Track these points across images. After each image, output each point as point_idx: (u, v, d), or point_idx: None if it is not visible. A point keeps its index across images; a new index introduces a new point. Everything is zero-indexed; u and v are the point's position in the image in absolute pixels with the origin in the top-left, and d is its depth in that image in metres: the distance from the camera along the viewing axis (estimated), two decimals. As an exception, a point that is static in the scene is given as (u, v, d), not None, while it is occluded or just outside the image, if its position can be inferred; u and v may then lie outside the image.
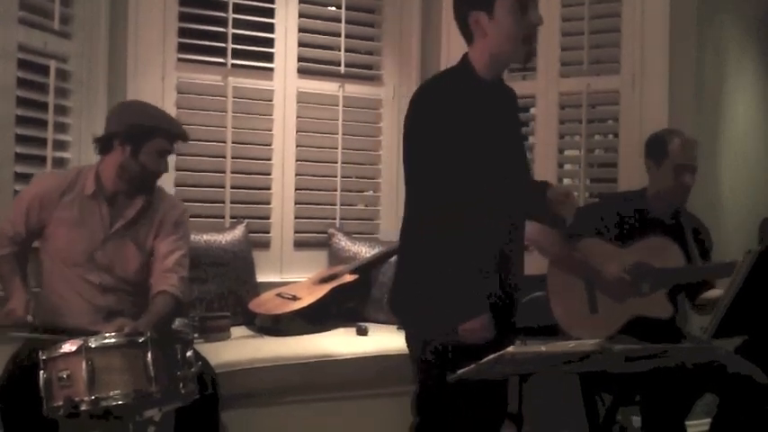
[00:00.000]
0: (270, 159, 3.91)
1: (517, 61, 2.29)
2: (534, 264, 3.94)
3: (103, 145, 2.71)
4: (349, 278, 3.63)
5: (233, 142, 3.82)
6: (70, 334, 2.45)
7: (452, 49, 3.93)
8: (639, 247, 2.90)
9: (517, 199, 2.28)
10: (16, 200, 2.78)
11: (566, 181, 4.10)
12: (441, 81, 2.29)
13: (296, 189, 3.97)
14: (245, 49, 3.85)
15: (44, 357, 2.14)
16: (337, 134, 4.05)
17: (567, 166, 4.05)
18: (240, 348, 3.17)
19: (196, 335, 3.15)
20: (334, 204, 4.06)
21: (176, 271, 2.71)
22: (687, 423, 2.86)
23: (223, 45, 3.79)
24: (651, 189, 3.01)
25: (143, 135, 2.64)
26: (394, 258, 3.72)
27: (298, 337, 3.35)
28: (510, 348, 2.01)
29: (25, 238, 2.71)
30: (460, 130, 2.14)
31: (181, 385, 2.21)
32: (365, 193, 4.24)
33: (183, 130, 2.77)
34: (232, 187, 3.83)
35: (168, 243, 2.74)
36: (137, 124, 2.65)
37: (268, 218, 3.92)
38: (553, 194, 2.30)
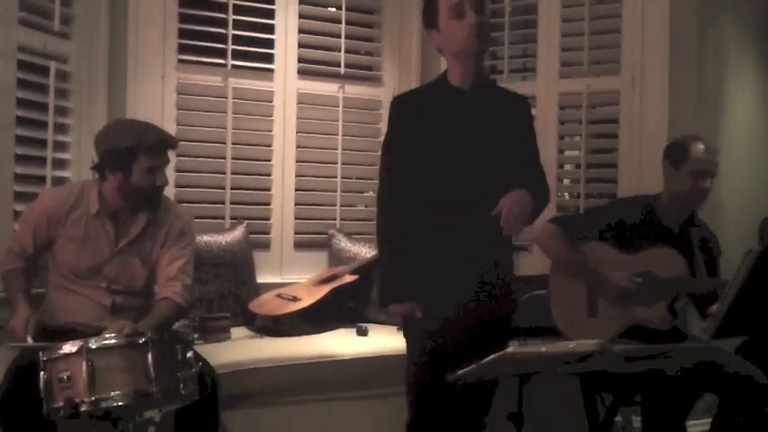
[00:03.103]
0: (270, 160, 3.91)
1: (470, 50, 2.41)
2: (534, 264, 3.96)
3: (99, 172, 2.70)
4: (349, 279, 3.63)
5: (233, 143, 3.82)
6: (75, 332, 2.47)
7: (452, 49, 3.93)
8: (645, 256, 2.89)
9: (472, 202, 2.36)
10: (22, 217, 2.79)
11: (565, 181, 4.10)
12: (410, 91, 2.69)
13: (296, 190, 3.97)
14: (245, 50, 3.85)
15: (44, 358, 2.13)
16: (337, 135, 4.05)
17: (567, 167, 4.05)
18: (240, 349, 3.17)
19: (196, 335, 3.16)
20: (335, 205, 4.06)
21: (180, 279, 2.74)
22: (687, 423, 2.86)
23: (223, 46, 3.79)
24: (666, 193, 3.00)
25: (127, 159, 2.61)
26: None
27: (298, 337, 3.35)
28: (510, 348, 2.01)
29: (33, 254, 2.73)
30: (411, 135, 2.42)
31: (181, 386, 2.21)
32: (365, 194, 4.24)
33: (166, 138, 2.72)
34: (232, 188, 3.83)
35: (173, 252, 2.76)
36: (115, 150, 2.62)
37: (268, 219, 3.92)
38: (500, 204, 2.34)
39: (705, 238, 3.03)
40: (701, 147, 2.93)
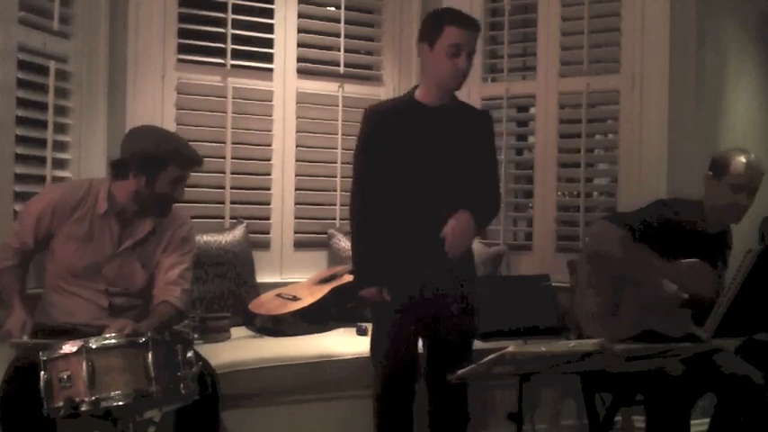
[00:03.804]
0: (269, 160, 3.91)
1: (447, 87, 2.73)
2: (534, 263, 3.96)
3: (118, 170, 2.70)
4: (349, 278, 3.62)
5: (233, 143, 3.82)
6: (72, 332, 2.46)
7: (452, 49, 3.92)
8: (681, 265, 2.83)
9: (432, 204, 2.69)
10: (24, 211, 2.77)
11: (565, 181, 4.10)
12: (380, 103, 3.00)
13: (296, 189, 3.97)
14: (245, 50, 3.85)
15: (44, 358, 2.13)
16: (337, 134, 4.05)
17: (567, 166, 4.04)
18: (240, 349, 3.17)
19: (196, 335, 3.15)
20: (334, 204, 4.06)
21: (179, 284, 2.74)
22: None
23: (222, 46, 3.79)
24: (707, 203, 2.94)
25: (157, 165, 2.64)
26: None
27: (298, 337, 3.35)
28: (510, 348, 2.02)
29: (32, 249, 2.72)
30: (380, 143, 2.74)
31: (181, 386, 2.21)
32: (365, 194, 4.24)
33: (196, 155, 2.77)
34: (232, 188, 3.83)
35: (174, 257, 2.77)
36: (151, 155, 2.63)
37: (268, 218, 3.92)
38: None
39: (729, 246, 3.01)
40: (744, 161, 2.86)
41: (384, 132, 2.75)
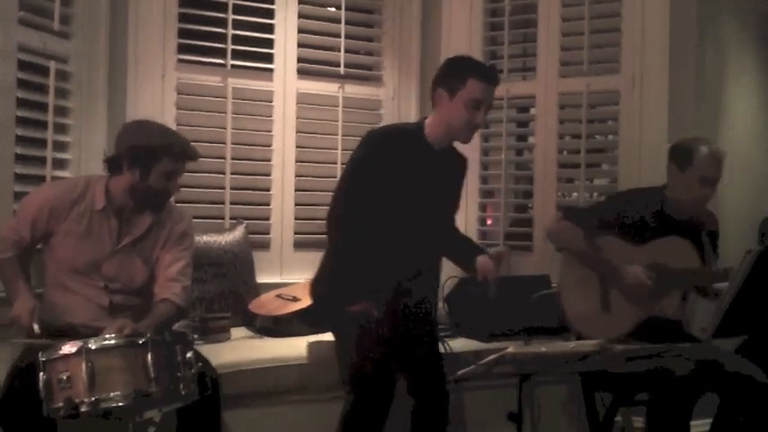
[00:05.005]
0: (270, 160, 3.91)
1: (458, 137, 2.77)
2: (535, 264, 3.96)
3: (113, 166, 2.70)
4: (349, 279, 3.63)
5: (233, 143, 3.82)
6: (73, 332, 2.46)
7: (452, 49, 3.93)
8: (655, 246, 2.86)
9: (419, 238, 2.75)
10: (21, 206, 2.76)
11: (565, 181, 4.09)
12: (389, 131, 2.95)
13: (296, 190, 3.97)
14: (245, 50, 3.85)
15: (44, 359, 2.13)
16: (337, 135, 4.05)
17: (567, 166, 4.05)
18: (240, 349, 3.17)
19: (196, 335, 3.15)
20: (334, 205, 4.05)
21: (179, 280, 2.73)
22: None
23: (223, 46, 3.79)
24: (670, 192, 2.95)
25: (150, 158, 2.62)
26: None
27: (298, 337, 3.35)
28: (510, 348, 2.02)
29: (29, 244, 2.71)
30: (381, 168, 2.69)
31: (181, 386, 2.21)
32: (365, 194, 4.23)
33: (191, 149, 2.75)
34: (232, 188, 3.83)
35: (173, 253, 2.76)
36: (143, 148, 2.62)
37: (268, 219, 3.92)
38: (480, 266, 2.76)
39: (713, 232, 3.01)
40: (707, 152, 2.85)
41: (389, 158, 2.71)
